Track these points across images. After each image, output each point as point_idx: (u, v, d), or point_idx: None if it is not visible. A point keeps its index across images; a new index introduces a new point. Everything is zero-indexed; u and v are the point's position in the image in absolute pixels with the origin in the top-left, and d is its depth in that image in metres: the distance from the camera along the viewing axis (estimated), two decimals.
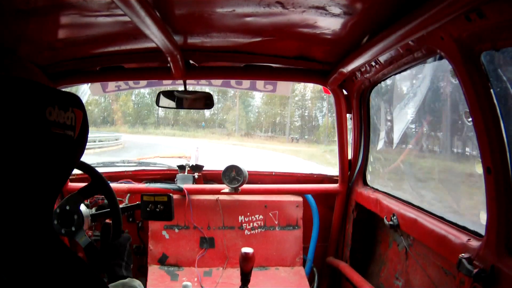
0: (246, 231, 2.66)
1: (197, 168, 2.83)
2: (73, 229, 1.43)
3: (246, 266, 1.95)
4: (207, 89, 3.10)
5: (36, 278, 0.64)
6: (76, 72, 2.22)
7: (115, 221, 1.43)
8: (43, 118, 0.67)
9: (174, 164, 3.00)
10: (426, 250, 1.74)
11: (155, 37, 1.48)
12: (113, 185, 2.03)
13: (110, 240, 1.41)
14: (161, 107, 2.31)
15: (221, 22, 1.57)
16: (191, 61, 2.14)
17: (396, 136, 2.26)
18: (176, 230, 2.62)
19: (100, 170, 1.62)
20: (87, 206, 1.54)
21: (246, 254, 1.94)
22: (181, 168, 2.85)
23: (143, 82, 3.17)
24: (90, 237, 1.87)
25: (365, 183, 2.49)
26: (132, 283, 1.24)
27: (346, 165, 2.55)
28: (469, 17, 1.09)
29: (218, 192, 2.61)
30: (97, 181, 1.46)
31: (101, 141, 19.51)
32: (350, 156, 2.55)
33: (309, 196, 2.72)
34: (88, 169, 1.45)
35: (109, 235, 1.42)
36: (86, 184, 1.47)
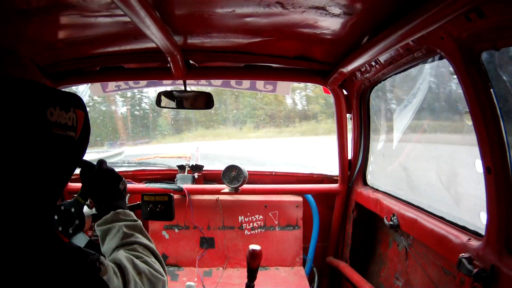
0: (246, 231, 2.66)
1: (197, 168, 2.83)
2: (70, 231, 1.42)
3: (253, 263, 1.98)
4: (207, 89, 3.09)
5: (37, 279, 0.64)
6: (76, 72, 2.22)
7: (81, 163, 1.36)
8: (44, 119, 0.66)
9: (174, 164, 3.00)
10: (426, 250, 1.74)
11: (155, 37, 1.48)
12: None
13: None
14: (162, 107, 2.31)
15: (221, 22, 1.57)
16: (191, 61, 2.14)
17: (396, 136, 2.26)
18: (176, 230, 2.62)
19: None
20: (87, 206, 1.54)
21: (254, 250, 1.96)
22: (181, 168, 2.85)
23: (143, 82, 3.16)
24: (90, 237, 1.86)
25: (365, 183, 2.49)
26: (116, 216, 1.15)
27: (346, 165, 2.55)
28: (469, 17, 1.09)
29: (218, 192, 2.61)
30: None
31: None
32: (350, 156, 2.56)
33: (309, 196, 2.72)
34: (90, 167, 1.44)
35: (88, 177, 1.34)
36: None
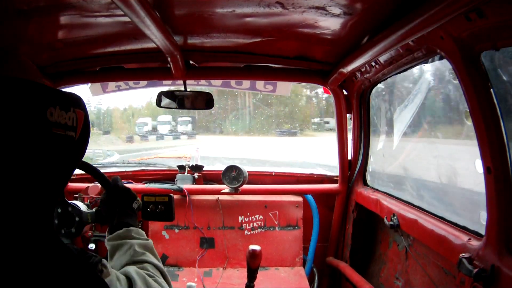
0: (246, 231, 2.66)
1: (197, 168, 2.83)
2: (73, 230, 1.43)
3: (253, 263, 1.98)
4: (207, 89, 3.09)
5: (36, 280, 0.64)
6: (76, 72, 2.22)
7: (99, 179, 1.39)
8: (44, 119, 0.66)
9: (174, 164, 3.00)
10: (426, 250, 1.74)
11: (155, 37, 1.49)
12: None
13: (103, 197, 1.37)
14: (162, 107, 2.31)
15: (221, 22, 1.57)
16: (191, 61, 2.14)
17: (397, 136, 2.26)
18: (176, 230, 2.62)
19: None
20: (87, 206, 1.54)
21: (254, 251, 1.96)
22: (181, 168, 2.85)
23: (143, 82, 3.17)
24: (91, 237, 1.85)
25: (365, 183, 2.49)
26: (128, 233, 1.18)
27: (346, 165, 2.55)
28: (469, 17, 1.09)
29: (218, 192, 2.61)
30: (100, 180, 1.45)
31: None
32: (350, 156, 2.56)
33: (309, 196, 2.72)
34: (90, 168, 1.45)
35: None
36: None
